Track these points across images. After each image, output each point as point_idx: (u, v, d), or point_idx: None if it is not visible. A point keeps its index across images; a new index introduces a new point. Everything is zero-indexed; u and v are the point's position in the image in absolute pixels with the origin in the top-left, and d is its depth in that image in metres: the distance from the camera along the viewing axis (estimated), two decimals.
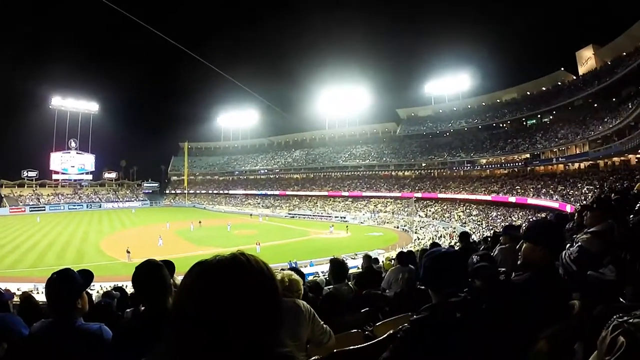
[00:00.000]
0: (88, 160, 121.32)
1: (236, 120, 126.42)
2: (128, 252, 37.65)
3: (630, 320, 1.45)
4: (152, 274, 2.80)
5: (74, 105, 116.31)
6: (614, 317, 1.51)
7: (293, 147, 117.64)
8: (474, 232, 47.68)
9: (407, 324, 2.33)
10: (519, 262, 3.09)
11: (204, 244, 44.21)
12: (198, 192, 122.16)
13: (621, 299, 3.06)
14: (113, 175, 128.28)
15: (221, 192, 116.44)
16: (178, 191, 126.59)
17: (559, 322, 2.45)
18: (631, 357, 1.39)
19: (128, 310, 6.36)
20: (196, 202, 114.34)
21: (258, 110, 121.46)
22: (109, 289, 10.76)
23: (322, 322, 3.47)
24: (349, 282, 6.41)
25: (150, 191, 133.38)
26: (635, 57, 43.82)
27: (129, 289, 8.72)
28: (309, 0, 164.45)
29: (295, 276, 3.97)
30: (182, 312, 1.08)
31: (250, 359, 1.06)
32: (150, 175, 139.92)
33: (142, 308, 2.95)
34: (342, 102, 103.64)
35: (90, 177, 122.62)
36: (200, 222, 65.93)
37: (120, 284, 13.87)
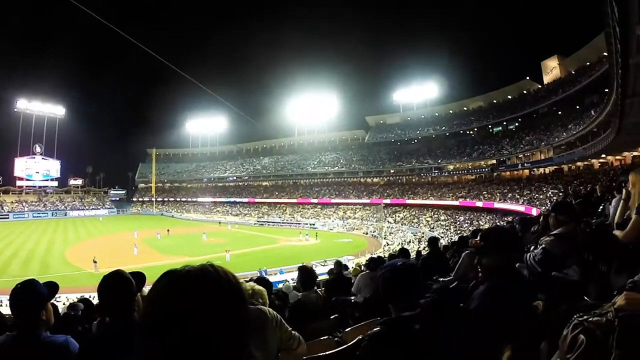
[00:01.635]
0: (53, 167, 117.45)
1: (205, 126, 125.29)
2: (95, 261, 36.61)
3: (590, 319, 1.50)
4: (119, 285, 2.76)
5: (39, 108, 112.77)
6: (575, 316, 1.56)
7: (262, 154, 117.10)
8: (442, 237, 48.26)
9: (365, 340, 2.34)
10: (479, 275, 3.15)
11: (172, 253, 43.36)
12: (166, 199, 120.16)
13: (586, 298, 3.16)
14: (79, 182, 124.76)
15: (189, 199, 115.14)
16: (146, 199, 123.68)
17: (524, 326, 2.50)
18: (591, 354, 1.43)
19: (95, 322, 6.26)
20: (164, 210, 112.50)
21: (227, 117, 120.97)
22: (76, 300, 10.54)
23: (290, 328, 3.46)
24: (318, 289, 6.41)
25: (117, 199, 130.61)
26: (598, 67, 45.23)
27: (95, 300, 8.55)
28: (280, 9, 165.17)
29: (259, 287, 3.96)
30: (149, 323, 1.06)
31: None
32: (118, 183, 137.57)
33: (108, 320, 2.91)
34: (312, 109, 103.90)
35: (55, 183, 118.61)
36: (168, 230, 64.92)
37: (86, 295, 13.56)
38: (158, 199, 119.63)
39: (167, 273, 1.13)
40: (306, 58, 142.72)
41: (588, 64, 53.39)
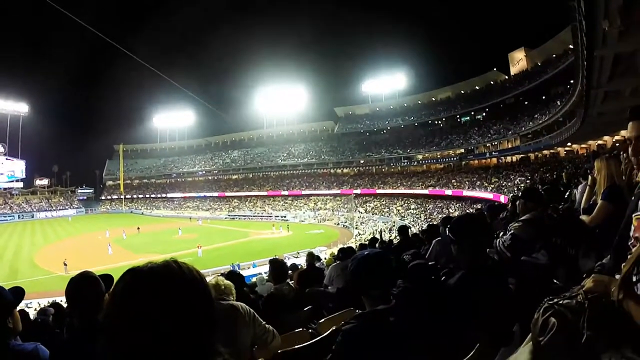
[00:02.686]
0: (18, 167, 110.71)
1: (172, 120, 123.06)
2: (65, 264, 35.61)
3: (560, 302, 1.54)
4: (86, 286, 2.71)
5: (2, 106, 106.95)
6: (545, 300, 1.60)
7: (231, 147, 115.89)
8: (412, 225, 48.83)
9: (339, 335, 2.33)
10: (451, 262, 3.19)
11: (143, 251, 42.52)
12: (135, 196, 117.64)
13: (555, 281, 3.22)
14: (45, 182, 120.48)
15: (159, 196, 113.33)
16: (114, 197, 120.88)
17: (496, 309, 2.54)
18: (562, 335, 1.47)
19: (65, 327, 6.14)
20: (133, 208, 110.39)
21: (195, 110, 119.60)
22: (47, 305, 10.29)
23: (264, 322, 3.45)
24: (290, 282, 6.41)
25: (85, 198, 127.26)
26: (564, 60, 46.37)
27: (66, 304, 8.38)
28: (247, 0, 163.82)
29: (227, 282, 3.91)
30: (112, 321, 1.05)
31: None
32: (85, 181, 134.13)
33: (77, 322, 2.84)
34: (280, 101, 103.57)
35: (20, 184, 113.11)
36: (138, 228, 63.95)
37: (58, 300, 13.23)
38: (127, 197, 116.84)
39: (130, 270, 1.11)
40: (273, 49, 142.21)
41: (554, 56, 54.57)
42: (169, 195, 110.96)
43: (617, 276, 1.53)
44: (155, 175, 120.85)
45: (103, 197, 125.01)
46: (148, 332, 1.00)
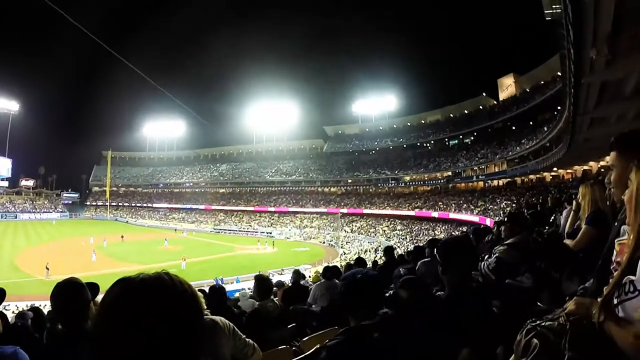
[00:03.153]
0: (4, 165, 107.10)
1: (162, 130, 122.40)
2: (47, 268, 35.06)
3: (543, 324, 1.57)
4: (72, 292, 2.69)
5: None
6: (528, 321, 1.63)
7: (220, 160, 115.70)
8: (398, 246, 48.79)
9: (324, 350, 2.34)
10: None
11: (126, 260, 42.24)
12: (120, 204, 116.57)
13: (539, 304, 3.25)
14: (31, 183, 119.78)
15: (144, 205, 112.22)
16: (100, 203, 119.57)
17: (481, 330, 2.55)
18: (544, 356, 1.49)
19: (46, 332, 6.05)
20: (118, 215, 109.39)
21: (185, 121, 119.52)
22: (25, 308, 10.13)
23: (244, 336, 3.43)
24: (275, 299, 6.38)
25: (70, 202, 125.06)
26: (552, 86, 47.30)
27: (46, 309, 8.27)
28: (241, 18, 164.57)
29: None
30: (102, 331, 1.04)
31: None
32: (71, 185, 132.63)
33: (60, 328, 2.81)
34: (271, 117, 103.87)
35: (5, 183, 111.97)
36: (122, 236, 63.35)
37: (37, 304, 13.00)
38: (112, 204, 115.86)
39: (121, 280, 1.10)
40: (266, 66, 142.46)
41: (542, 82, 55.62)
42: (155, 205, 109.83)
43: (599, 299, 1.56)
44: (142, 184, 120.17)
45: (88, 203, 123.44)
46: (138, 343, 1.00)
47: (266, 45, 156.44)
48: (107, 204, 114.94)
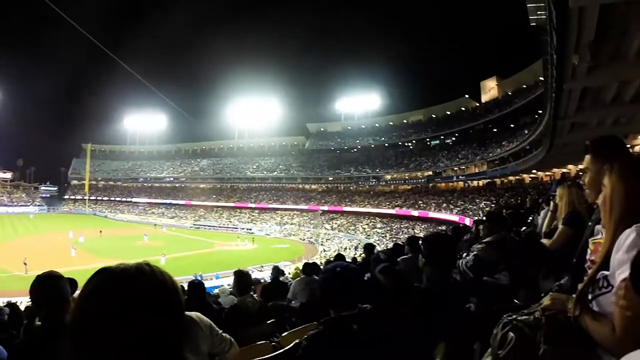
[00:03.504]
0: None
1: (144, 123, 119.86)
2: (25, 263, 34.36)
3: (519, 318, 1.63)
4: (52, 285, 2.66)
5: None
6: (504, 316, 1.68)
7: (201, 155, 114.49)
8: (378, 244, 48.96)
9: (305, 340, 2.37)
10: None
11: (106, 255, 41.28)
12: (99, 198, 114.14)
13: (516, 301, 3.32)
14: (8, 175, 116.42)
15: (124, 199, 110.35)
16: (78, 197, 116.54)
17: (458, 325, 2.60)
18: (520, 349, 1.55)
19: (23, 327, 5.97)
20: (97, 210, 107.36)
21: (167, 115, 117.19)
22: (2, 304, 9.94)
23: (221, 331, 3.43)
24: (254, 295, 6.38)
25: (49, 195, 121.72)
26: (534, 90, 48.35)
27: (23, 305, 8.17)
28: (226, 11, 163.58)
29: None
30: (80, 324, 1.01)
31: None
32: (49, 178, 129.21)
33: (39, 323, 2.78)
34: (253, 113, 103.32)
35: None
36: (100, 231, 62.57)
37: (14, 300, 12.72)
38: (91, 198, 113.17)
39: (101, 270, 1.08)
40: (250, 62, 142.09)
41: (525, 86, 56.86)
42: (134, 199, 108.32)
43: (575, 295, 1.61)
44: (122, 178, 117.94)
45: (67, 197, 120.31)
46: (118, 334, 0.97)
47: (250, 41, 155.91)
48: (86, 198, 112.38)
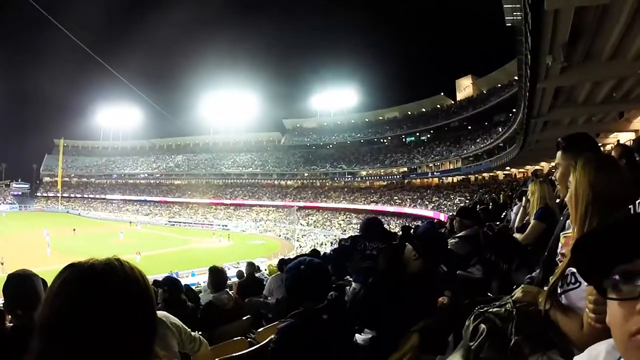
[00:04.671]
0: None
1: (117, 118, 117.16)
2: (1, 263, 33.35)
3: (490, 310, 1.67)
4: (24, 283, 2.61)
5: None
6: (476, 308, 1.72)
7: (176, 151, 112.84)
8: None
9: (276, 333, 2.41)
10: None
11: (81, 254, 39.28)
12: (73, 196, 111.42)
13: (489, 294, 3.38)
14: None
15: (97, 196, 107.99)
16: (51, 194, 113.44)
17: (430, 317, 2.65)
18: (491, 339, 1.59)
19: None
20: (70, 207, 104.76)
21: (141, 109, 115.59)
22: None
23: (190, 330, 3.42)
24: (230, 291, 6.35)
25: (20, 193, 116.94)
26: (509, 89, 49.37)
27: None
28: (201, 5, 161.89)
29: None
30: (49, 319, 1.00)
31: None
32: (21, 175, 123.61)
33: (9, 325, 2.73)
34: (229, 108, 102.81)
35: None
36: (74, 229, 61.36)
37: None
38: (64, 195, 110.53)
39: (70, 266, 1.08)
40: (226, 56, 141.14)
41: (499, 85, 58.04)
42: (108, 196, 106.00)
43: (546, 288, 1.65)
44: (96, 174, 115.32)
45: (39, 194, 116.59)
46: (88, 330, 0.96)
47: (226, 36, 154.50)
48: (59, 195, 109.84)
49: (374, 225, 4.97)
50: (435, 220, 23.86)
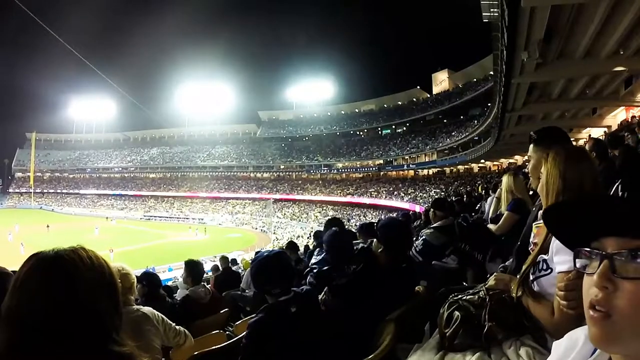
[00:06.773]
0: None
1: (90, 111, 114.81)
2: None
3: (464, 297, 1.73)
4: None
5: None
6: (451, 296, 1.77)
7: (150, 144, 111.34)
8: None
9: (247, 328, 2.46)
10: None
11: None
12: (46, 191, 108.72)
13: (464, 283, 3.46)
14: None
15: (72, 191, 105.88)
16: (23, 190, 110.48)
17: (405, 305, 2.71)
18: (465, 326, 1.65)
19: None
20: (43, 203, 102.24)
21: (115, 101, 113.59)
22: None
23: (174, 324, 3.42)
24: (206, 284, 6.33)
25: None
26: (484, 84, 50.61)
27: None
28: None
29: (127, 269, 3.56)
30: (14, 308, 1.01)
31: (85, 357, 1.02)
32: None
33: None
34: (204, 100, 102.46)
35: None
36: (48, 226, 59.89)
37: None
38: (37, 191, 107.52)
39: (35, 254, 1.09)
40: (201, 47, 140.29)
41: (475, 80, 59.05)
42: (82, 191, 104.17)
43: (518, 276, 1.71)
44: (69, 169, 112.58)
45: (11, 190, 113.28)
46: (54, 318, 0.98)
47: (201, 28, 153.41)
48: (32, 191, 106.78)
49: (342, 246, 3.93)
50: (411, 212, 24.11)
